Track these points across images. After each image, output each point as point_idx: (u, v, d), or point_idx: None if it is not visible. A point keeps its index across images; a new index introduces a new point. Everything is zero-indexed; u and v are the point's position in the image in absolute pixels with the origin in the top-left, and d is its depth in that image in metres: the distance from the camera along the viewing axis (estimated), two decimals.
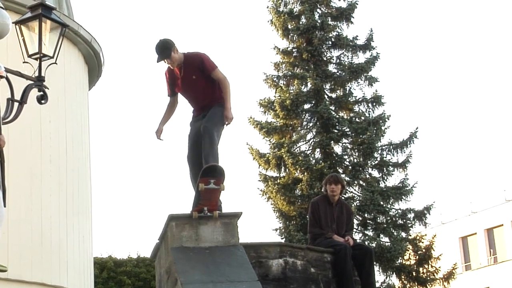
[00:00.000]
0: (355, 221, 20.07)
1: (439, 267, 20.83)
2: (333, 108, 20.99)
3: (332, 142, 20.32)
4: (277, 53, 21.70)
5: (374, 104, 21.13)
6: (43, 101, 8.27)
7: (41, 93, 8.20)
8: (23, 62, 8.05)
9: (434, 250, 20.83)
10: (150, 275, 20.86)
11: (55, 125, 14.49)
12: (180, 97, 7.67)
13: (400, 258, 19.98)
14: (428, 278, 20.33)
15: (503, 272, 39.24)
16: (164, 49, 7.26)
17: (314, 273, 7.49)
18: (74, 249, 14.70)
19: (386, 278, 20.03)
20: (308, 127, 21.16)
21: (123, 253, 34.31)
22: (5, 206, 6.76)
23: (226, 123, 7.27)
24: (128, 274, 21.52)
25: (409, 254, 20.48)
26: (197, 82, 7.32)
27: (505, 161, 56.63)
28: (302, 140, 21.06)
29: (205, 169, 6.94)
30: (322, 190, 8.70)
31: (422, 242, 20.77)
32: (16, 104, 7.93)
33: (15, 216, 12.46)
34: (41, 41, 7.97)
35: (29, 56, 8.05)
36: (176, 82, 7.47)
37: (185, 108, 7.81)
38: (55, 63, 8.23)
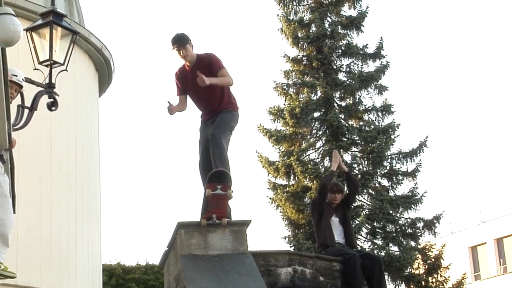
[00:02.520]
0: (364, 230, 20.04)
1: (449, 277, 20.75)
2: (342, 117, 20.95)
3: (342, 150, 20.27)
4: (287, 61, 21.70)
5: (383, 112, 21.10)
6: (53, 108, 8.29)
7: (52, 100, 8.22)
8: (34, 69, 8.08)
9: (443, 259, 20.75)
10: (159, 283, 20.87)
11: (65, 132, 14.53)
12: (189, 101, 7.64)
13: (409, 267, 19.91)
14: None
15: None
16: (182, 39, 7.32)
17: (323, 282, 7.47)
18: (83, 256, 14.71)
19: (395, 287, 19.96)
20: (318, 135, 21.14)
21: (131, 260, 34.40)
22: (14, 212, 6.76)
23: (198, 79, 7.13)
24: (136, 281, 21.54)
25: (418, 263, 20.41)
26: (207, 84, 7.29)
27: None
28: (311, 148, 21.04)
29: (211, 174, 6.93)
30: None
31: (432, 252, 20.69)
32: (26, 111, 7.95)
33: (25, 222, 12.49)
34: (51, 48, 7.99)
35: (40, 63, 8.08)
36: (187, 82, 7.44)
37: (193, 114, 7.81)
38: (66, 70, 8.25)
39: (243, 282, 6.52)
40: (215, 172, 6.91)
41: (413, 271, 20.15)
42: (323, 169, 20.17)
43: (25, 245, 12.71)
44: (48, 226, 13.72)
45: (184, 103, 7.60)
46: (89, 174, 15.53)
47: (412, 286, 20.12)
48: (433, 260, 20.50)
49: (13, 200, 6.81)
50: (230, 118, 7.27)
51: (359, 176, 20.24)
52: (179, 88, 7.55)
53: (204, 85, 7.11)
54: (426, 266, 20.43)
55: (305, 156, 20.77)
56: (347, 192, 8.71)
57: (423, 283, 20.14)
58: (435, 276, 20.41)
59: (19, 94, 7.45)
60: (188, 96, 7.58)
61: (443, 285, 20.38)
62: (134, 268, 22.08)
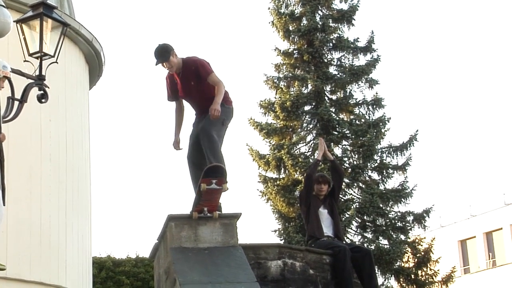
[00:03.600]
0: (354, 223, 20.08)
1: (438, 270, 20.81)
2: (333, 110, 20.97)
3: (332, 144, 20.29)
4: (278, 55, 21.69)
5: (374, 106, 21.12)
6: (43, 100, 8.27)
7: (42, 92, 8.21)
8: (24, 61, 8.06)
9: (433, 253, 20.82)
10: (149, 275, 20.86)
11: (55, 124, 14.48)
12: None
13: (399, 260, 19.97)
14: (427, 281, 20.32)
15: (501, 276, 39.22)
16: (163, 52, 7.22)
17: (313, 275, 7.48)
18: (73, 249, 14.69)
19: (385, 280, 20.02)
20: (308, 128, 21.15)
21: (122, 253, 34.29)
22: (4, 205, 6.76)
23: (210, 114, 7.09)
24: (126, 274, 21.51)
25: (408, 256, 20.48)
26: (196, 88, 7.30)
27: (505, 165, 56.61)
28: (302, 142, 21.06)
29: (207, 169, 6.92)
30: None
31: (421, 245, 20.76)
32: (16, 103, 7.94)
33: (15, 215, 12.46)
34: (42, 40, 7.98)
35: (30, 54, 8.06)
36: (177, 88, 7.44)
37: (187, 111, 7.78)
38: (56, 62, 8.23)
39: (233, 275, 6.53)
40: (211, 167, 6.90)
41: (403, 265, 20.22)
42: None
43: (15, 237, 12.68)
44: (38, 219, 13.69)
45: (181, 107, 7.58)
46: (79, 166, 15.50)
47: (401, 279, 20.19)
48: (422, 253, 20.57)
49: (3, 193, 6.79)
50: (221, 111, 7.23)
51: (350, 169, 20.29)
52: (169, 94, 7.52)
53: (218, 115, 7.06)
54: (416, 260, 20.50)
55: (296, 150, 20.79)
56: (333, 183, 8.69)
57: (412, 276, 20.21)
58: (425, 269, 20.48)
59: (8, 85, 7.43)
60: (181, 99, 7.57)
61: (432, 278, 20.45)
62: (124, 261, 22.04)
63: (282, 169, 20.62)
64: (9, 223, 11.70)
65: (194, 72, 7.24)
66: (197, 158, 7.23)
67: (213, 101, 7.07)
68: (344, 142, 20.83)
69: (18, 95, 7.95)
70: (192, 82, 7.27)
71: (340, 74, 21.26)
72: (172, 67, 7.26)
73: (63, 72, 14.13)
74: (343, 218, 19.14)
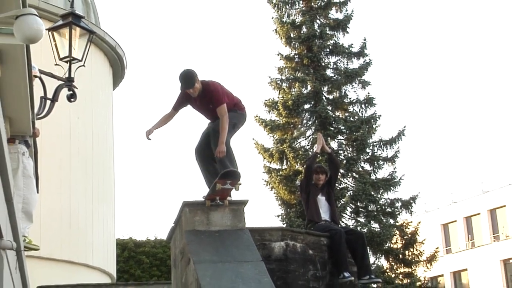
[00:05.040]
0: (349, 209, 20.05)
1: (423, 251, 20.79)
2: (330, 108, 20.91)
3: (329, 138, 20.25)
4: (280, 59, 21.63)
5: (366, 105, 21.06)
6: (72, 100, 8.26)
7: (71, 92, 8.20)
8: (55, 65, 8.05)
9: (418, 235, 20.78)
10: (166, 255, 20.88)
11: (82, 122, 14.50)
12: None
13: (388, 242, 19.94)
14: (413, 260, 20.30)
15: (479, 256, 39.22)
16: (189, 80, 7.10)
17: (312, 255, 7.47)
18: (98, 232, 14.72)
19: (376, 260, 20.00)
20: (308, 125, 21.12)
21: (142, 236, 34.42)
22: (38, 192, 6.76)
23: (216, 154, 6.99)
24: (146, 254, 21.55)
25: (396, 238, 20.44)
26: (213, 109, 7.20)
27: (483, 156, 56.56)
28: (302, 137, 21.02)
29: (225, 172, 6.88)
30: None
31: (408, 228, 20.72)
32: (48, 102, 7.93)
33: (47, 202, 12.49)
34: (71, 46, 7.97)
35: (60, 59, 8.05)
36: (191, 103, 7.31)
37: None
38: (83, 65, 8.22)
39: (241, 255, 6.52)
40: (227, 172, 6.88)
41: (391, 246, 20.19)
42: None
43: (47, 222, 12.72)
44: (67, 206, 13.72)
45: (172, 116, 7.36)
46: (104, 159, 15.51)
47: (391, 259, 20.18)
48: (409, 236, 20.53)
49: (37, 181, 6.80)
50: (232, 116, 7.13)
51: (344, 161, 20.25)
52: (176, 105, 7.33)
53: (223, 155, 6.93)
54: (403, 241, 20.47)
55: (297, 143, 20.75)
56: (330, 173, 8.67)
57: (400, 256, 20.19)
58: (411, 250, 20.45)
59: (40, 86, 7.43)
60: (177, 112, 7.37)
61: (418, 258, 20.44)
62: (144, 242, 22.07)
63: (285, 160, 20.59)
64: (42, 209, 11.73)
65: (209, 97, 7.16)
66: (205, 155, 7.18)
67: (219, 140, 6.94)
68: (340, 137, 20.79)
69: (50, 95, 7.95)
70: (210, 106, 7.19)
71: (336, 76, 21.20)
72: (195, 92, 7.17)
73: (90, 75, 14.14)
74: (339, 205, 19.12)
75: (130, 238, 22.31)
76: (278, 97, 21.19)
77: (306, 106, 20.96)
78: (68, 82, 8.09)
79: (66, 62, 8.08)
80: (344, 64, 21.45)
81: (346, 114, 21.05)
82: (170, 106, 7.41)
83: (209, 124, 7.37)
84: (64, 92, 8.21)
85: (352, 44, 21.56)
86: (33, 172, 6.57)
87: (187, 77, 7.11)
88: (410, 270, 20.24)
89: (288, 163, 20.49)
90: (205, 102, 7.20)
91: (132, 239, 22.18)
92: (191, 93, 7.17)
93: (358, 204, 20.04)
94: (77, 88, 8.26)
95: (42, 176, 9.02)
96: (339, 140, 20.83)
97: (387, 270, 20.15)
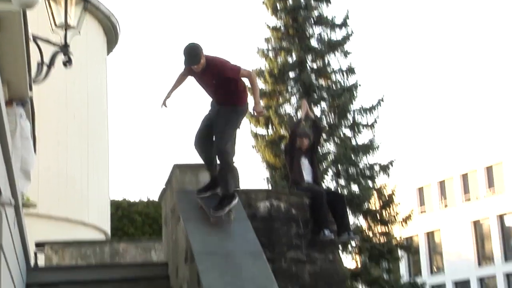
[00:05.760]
0: (330, 172, 20.15)
1: (399, 211, 21.00)
2: (313, 77, 20.90)
3: (312, 104, 20.26)
4: (267, 29, 21.53)
5: (348, 73, 21.06)
6: (68, 65, 8.17)
7: (67, 58, 8.10)
8: (51, 31, 7.95)
9: (395, 197, 20.97)
10: (158, 214, 20.91)
11: (78, 86, 14.40)
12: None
13: (367, 203, 20.11)
14: (390, 220, 20.52)
15: (451, 216, 39.71)
16: (195, 55, 6.44)
17: (295, 214, 7.51)
18: (94, 191, 14.72)
19: (355, 219, 20.20)
20: (293, 92, 21.09)
21: (135, 196, 34.49)
22: (35, 153, 6.72)
23: (255, 114, 6.72)
24: (139, 213, 21.58)
25: (375, 200, 20.62)
26: (216, 84, 6.59)
27: (456, 122, 56.87)
28: (287, 103, 21.01)
29: (222, 197, 6.40)
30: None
31: (386, 191, 20.89)
32: (45, 68, 7.85)
33: (45, 162, 12.44)
34: (66, 13, 7.85)
35: (56, 26, 7.94)
36: (193, 75, 6.70)
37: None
38: (79, 33, 8.12)
39: (228, 214, 6.53)
40: (225, 202, 6.37)
41: (370, 207, 20.37)
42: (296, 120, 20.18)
43: (45, 181, 12.68)
44: (64, 165, 13.68)
45: (186, 77, 6.80)
46: (99, 121, 15.44)
47: (369, 219, 20.37)
48: (387, 197, 20.71)
49: (34, 143, 6.75)
50: (234, 118, 6.63)
51: (327, 127, 20.31)
52: (186, 72, 6.74)
53: (263, 114, 6.80)
54: (381, 203, 20.65)
55: (282, 110, 20.76)
56: (313, 137, 8.66)
57: (378, 216, 20.38)
58: (388, 210, 20.65)
59: (37, 52, 7.34)
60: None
61: (394, 218, 20.64)
62: (137, 202, 22.09)
63: (270, 126, 20.61)
64: (40, 169, 11.67)
65: (217, 73, 6.52)
66: (205, 145, 6.58)
67: (254, 102, 6.61)
68: (322, 104, 20.80)
69: (46, 60, 7.86)
70: (213, 81, 6.56)
71: (319, 46, 21.13)
72: (199, 68, 6.51)
73: (85, 42, 13.99)
74: (321, 168, 19.21)
75: (124, 198, 22.31)
76: (265, 66, 21.11)
77: (291, 75, 20.92)
78: (64, 48, 7.98)
79: (62, 29, 7.97)
80: (327, 34, 21.38)
81: (329, 82, 21.03)
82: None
83: (210, 110, 6.79)
84: (60, 58, 8.11)
85: (335, 16, 21.47)
86: (30, 133, 6.52)
87: (193, 53, 6.46)
88: (386, 229, 20.45)
89: (274, 128, 20.51)
90: (207, 78, 6.62)
91: (126, 200, 22.19)
92: (195, 69, 6.57)
93: (339, 167, 20.15)
94: (72, 54, 8.16)
95: (40, 138, 8.96)
96: (322, 107, 20.84)
97: (365, 230, 20.36)
